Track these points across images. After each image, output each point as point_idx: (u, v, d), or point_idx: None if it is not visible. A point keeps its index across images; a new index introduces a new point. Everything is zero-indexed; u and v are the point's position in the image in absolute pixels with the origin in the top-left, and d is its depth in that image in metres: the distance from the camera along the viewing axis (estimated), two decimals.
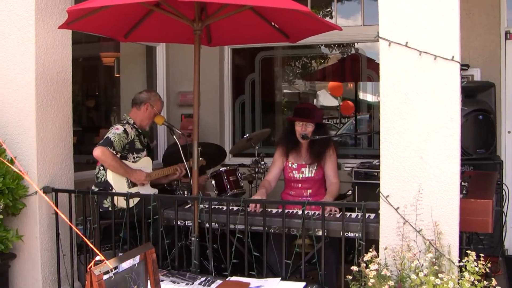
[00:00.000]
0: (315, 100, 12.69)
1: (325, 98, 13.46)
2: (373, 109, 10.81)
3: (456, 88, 4.07)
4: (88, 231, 5.86)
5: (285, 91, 11.26)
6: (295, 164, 6.04)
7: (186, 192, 6.59)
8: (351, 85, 11.98)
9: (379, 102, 4.27)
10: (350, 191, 6.84)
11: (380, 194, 4.25)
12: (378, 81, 4.28)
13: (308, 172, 5.99)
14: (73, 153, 5.95)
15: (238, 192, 6.73)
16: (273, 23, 5.81)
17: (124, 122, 6.26)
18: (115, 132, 6.03)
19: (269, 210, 5.35)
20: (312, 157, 5.96)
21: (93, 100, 9.95)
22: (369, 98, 11.87)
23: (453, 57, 4.04)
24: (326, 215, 4.96)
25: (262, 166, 7.20)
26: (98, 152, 5.84)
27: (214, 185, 6.73)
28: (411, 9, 4.13)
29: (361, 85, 11.13)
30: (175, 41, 7.12)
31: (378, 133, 4.35)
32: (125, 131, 6.09)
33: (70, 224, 5.05)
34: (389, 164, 4.23)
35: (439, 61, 4.06)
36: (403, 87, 4.16)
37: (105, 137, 6.01)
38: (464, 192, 4.55)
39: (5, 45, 5.52)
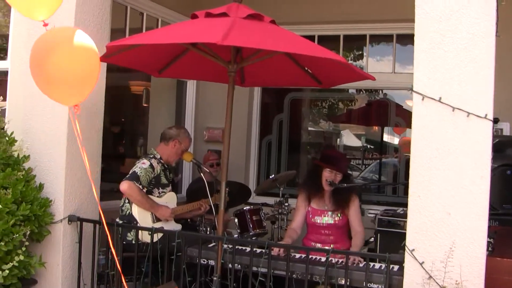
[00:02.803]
0: (338, 140, 12.67)
1: (349, 138, 13.45)
2: (399, 152, 10.78)
3: (488, 146, 4.07)
4: (110, 262, 5.88)
5: (309, 128, 11.28)
6: (318, 209, 6.03)
7: (209, 229, 6.60)
8: (377, 128, 11.99)
9: None
10: (373, 238, 6.80)
11: (406, 248, 4.24)
12: (406, 127, 4.30)
13: (331, 219, 5.98)
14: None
15: (260, 232, 6.72)
16: (306, 68, 5.85)
17: (151, 156, 6.30)
18: (141, 166, 6.07)
19: (293, 255, 5.33)
20: (335, 204, 5.96)
21: (119, 127, 10.00)
22: (396, 141, 11.85)
23: (486, 115, 4.05)
24: (350, 264, 4.94)
25: (286, 208, 7.18)
26: (125, 186, 5.88)
27: (237, 223, 6.73)
28: (447, 65, 4.15)
29: (387, 128, 11.13)
30: (208, 80, 7.19)
31: (404, 184, 4.35)
32: (151, 165, 6.13)
33: (115, 255, 5.06)
34: (416, 217, 4.22)
35: (472, 118, 4.07)
36: (435, 141, 4.17)
37: (131, 171, 6.05)
38: (489, 249, 4.52)
39: None
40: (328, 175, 5.93)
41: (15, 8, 4.47)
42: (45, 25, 4.31)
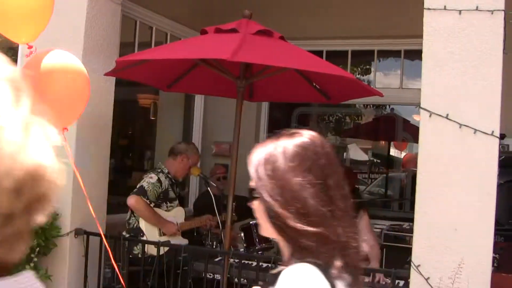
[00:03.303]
0: (345, 154, 12.69)
1: (356, 152, 13.47)
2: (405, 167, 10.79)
3: (494, 163, 4.08)
4: (115, 276, 5.89)
5: None
6: None
7: (215, 243, 6.61)
8: (384, 142, 12.01)
9: None
10: None
11: (411, 263, 4.24)
12: (413, 142, 4.30)
13: None
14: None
15: (267, 247, 6.71)
16: (315, 84, 5.87)
17: (159, 171, 6.32)
18: (149, 181, 6.09)
19: None
20: None
21: (127, 140, 10.00)
22: (402, 155, 11.86)
23: (493, 132, 4.06)
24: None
25: None
26: (132, 201, 5.91)
27: (243, 238, 6.72)
28: (454, 82, 4.17)
29: (394, 143, 11.15)
30: (217, 95, 7.21)
31: (410, 200, 4.36)
32: (158, 180, 6.15)
33: (115, 267, 5.07)
34: (422, 233, 4.23)
35: (478, 135, 4.08)
36: (442, 158, 4.18)
37: (139, 185, 6.07)
38: (495, 264, 4.51)
39: None
40: None
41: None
42: (30, 47, 4.34)
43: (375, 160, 13.96)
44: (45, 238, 5.25)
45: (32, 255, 5.03)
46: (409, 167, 10.72)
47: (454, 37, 4.20)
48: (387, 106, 10.07)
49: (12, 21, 4.23)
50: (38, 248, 5.14)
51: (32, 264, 5.03)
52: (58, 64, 4.34)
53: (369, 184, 13.59)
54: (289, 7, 8.54)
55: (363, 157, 13.93)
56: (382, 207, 9.46)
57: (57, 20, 5.51)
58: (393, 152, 11.91)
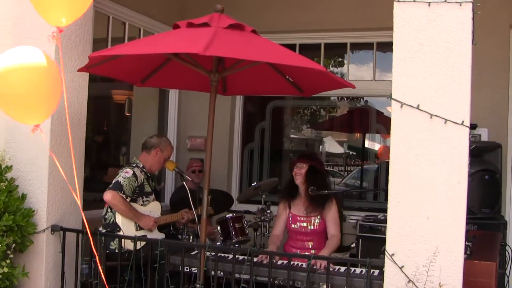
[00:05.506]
0: (320, 147, 12.74)
1: (331, 145, 13.53)
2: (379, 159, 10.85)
3: (465, 152, 4.14)
4: (93, 271, 5.89)
5: (292, 136, 11.34)
6: (297, 215, 6.09)
7: (191, 237, 6.63)
8: (358, 134, 12.09)
9: None
10: (354, 244, 6.86)
11: (386, 252, 4.29)
12: (386, 133, 4.35)
13: (310, 224, 6.03)
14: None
15: (243, 239, 6.74)
16: (287, 77, 5.90)
17: (134, 165, 6.32)
18: (124, 176, 6.09)
19: (275, 261, 5.38)
20: (311, 209, 6.01)
21: (101, 136, 9.98)
22: (377, 147, 11.94)
23: (463, 121, 4.12)
24: (316, 267, 5.03)
25: (268, 215, 7.23)
26: (108, 196, 5.91)
27: (220, 231, 6.75)
28: (424, 73, 4.22)
29: (369, 135, 11.22)
30: (190, 89, 7.18)
31: (384, 190, 4.40)
32: (134, 174, 6.15)
33: (96, 264, 5.06)
34: (396, 223, 4.28)
35: (449, 125, 4.14)
36: (413, 148, 4.24)
37: (114, 181, 6.07)
38: (468, 252, 4.59)
39: None
40: (295, 170, 6.04)
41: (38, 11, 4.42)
42: (61, 31, 4.28)
43: (350, 152, 14.04)
44: (21, 235, 5.22)
45: (8, 252, 5.02)
46: (384, 159, 10.81)
47: (424, 29, 4.25)
48: (361, 99, 10.12)
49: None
50: (14, 245, 5.12)
51: (8, 261, 5.01)
52: (17, 62, 4.29)
53: (345, 176, 13.67)
54: (261, 1, 8.58)
55: (339, 149, 14.00)
56: (357, 199, 9.52)
57: (30, 16, 5.50)
58: (368, 144, 11.99)
